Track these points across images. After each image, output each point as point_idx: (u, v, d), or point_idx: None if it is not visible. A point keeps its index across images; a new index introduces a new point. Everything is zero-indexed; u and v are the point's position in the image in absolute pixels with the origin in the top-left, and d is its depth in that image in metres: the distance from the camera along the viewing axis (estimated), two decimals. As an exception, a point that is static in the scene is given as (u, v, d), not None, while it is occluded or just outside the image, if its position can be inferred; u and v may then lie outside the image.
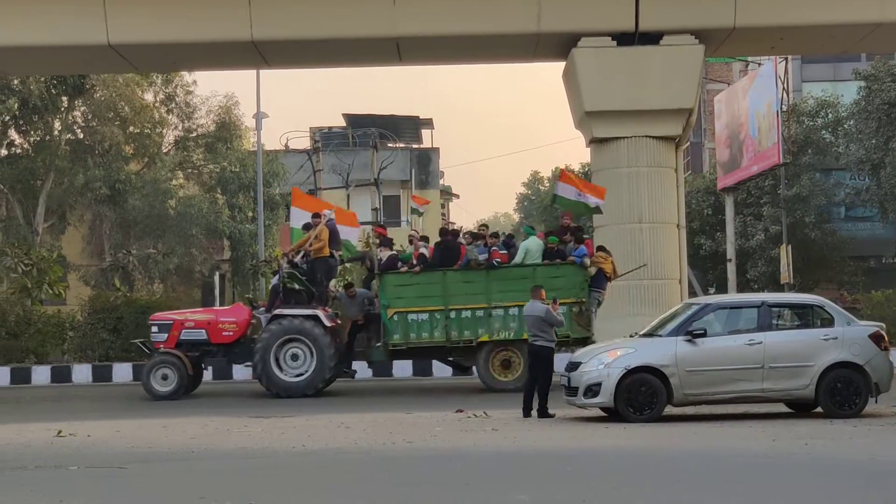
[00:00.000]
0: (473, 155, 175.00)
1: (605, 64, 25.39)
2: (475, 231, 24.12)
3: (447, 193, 64.46)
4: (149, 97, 44.29)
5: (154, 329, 22.62)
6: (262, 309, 22.69)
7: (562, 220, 24.45)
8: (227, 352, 22.69)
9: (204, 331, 22.41)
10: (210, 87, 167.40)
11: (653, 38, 25.38)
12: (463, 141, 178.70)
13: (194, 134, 45.49)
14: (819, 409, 16.12)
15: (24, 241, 36.94)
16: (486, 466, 11.63)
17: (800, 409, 16.69)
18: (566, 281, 21.86)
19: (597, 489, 10.16)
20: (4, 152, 42.48)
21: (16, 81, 39.42)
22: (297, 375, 21.82)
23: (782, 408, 16.80)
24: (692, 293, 33.02)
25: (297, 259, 22.66)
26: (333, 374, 22.57)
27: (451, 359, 23.60)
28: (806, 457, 12.01)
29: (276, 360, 21.81)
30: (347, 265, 29.73)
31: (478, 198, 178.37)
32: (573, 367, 16.23)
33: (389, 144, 52.44)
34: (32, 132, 42.20)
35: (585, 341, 22.81)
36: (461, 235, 23.35)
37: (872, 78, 39.37)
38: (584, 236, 23.37)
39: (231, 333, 22.47)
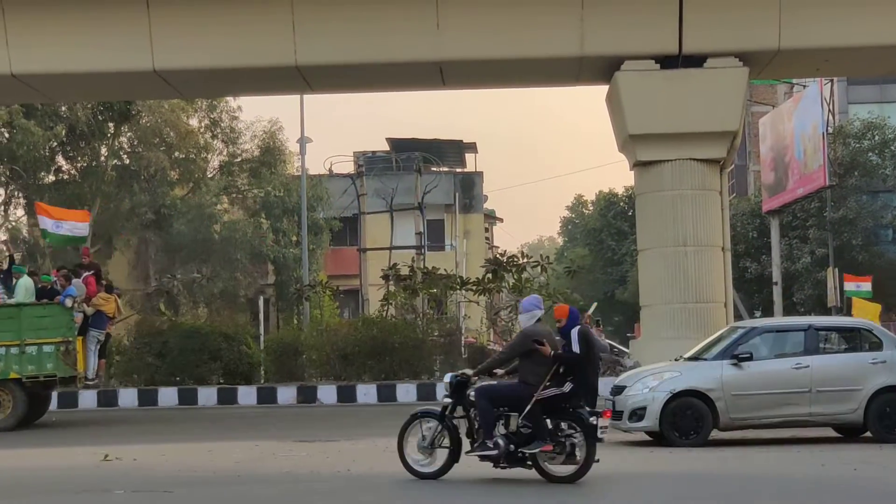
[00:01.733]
0: (517, 178, 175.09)
1: (648, 87, 25.27)
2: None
3: (491, 217, 64.35)
4: (194, 123, 44.67)
5: None
6: None
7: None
8: None
9: None
10: (254, 112, 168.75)
11: (696, 60, 25.23)
12: (507, 164, 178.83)
13: (239, 159, 45.80)
14: (868, 434, 15.94)
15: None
16: (531, 490, 11.57)
17: (848, 433, 16.51)
18: (53, 321, 21.36)
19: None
20: (52, 178, 43.00)
21: (63, 108, 39.98)
22: None
23: (830, 432, 16.62)
24: (737, 317, 32.75)
25: None
26: None
27: None
28: (856, 482, 11.87)
29: None
30: None
31: (522, 222, 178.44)
32: (618, 390, 16.15)
33: (433, 168, 52.53)
34: (79, 158, 42.72)
35: (73, 380, 22.35)
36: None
37: (920, 99, 39.11)
38: (86, 274, 22.82)
39: None
